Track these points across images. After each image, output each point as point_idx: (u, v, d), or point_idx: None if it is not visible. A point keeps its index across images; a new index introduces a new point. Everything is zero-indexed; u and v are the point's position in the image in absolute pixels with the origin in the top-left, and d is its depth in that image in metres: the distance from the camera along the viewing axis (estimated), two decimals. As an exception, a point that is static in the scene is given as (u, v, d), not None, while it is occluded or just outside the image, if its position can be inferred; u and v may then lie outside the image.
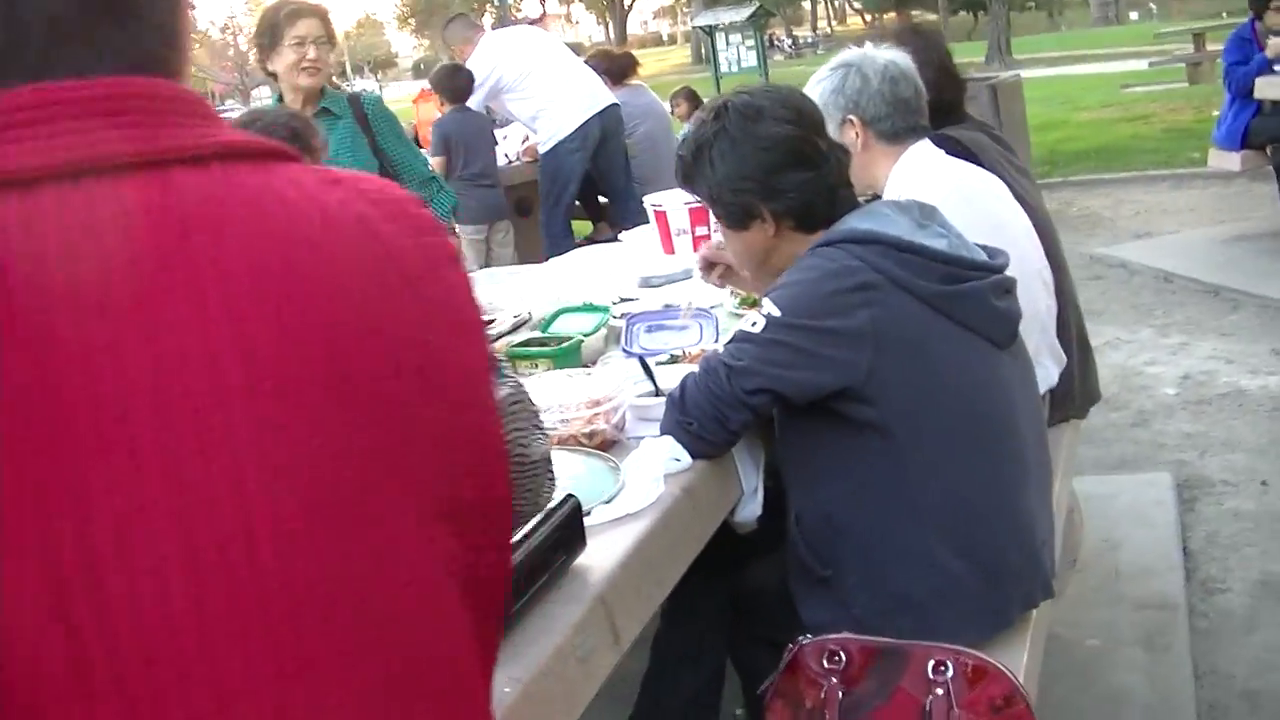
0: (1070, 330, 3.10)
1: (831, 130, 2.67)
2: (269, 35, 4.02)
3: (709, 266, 2.56)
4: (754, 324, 2.06)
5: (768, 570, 2.33)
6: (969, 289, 2.06)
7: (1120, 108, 15.03)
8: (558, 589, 1.68)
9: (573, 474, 2.03)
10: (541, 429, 1.20)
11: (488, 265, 5.66)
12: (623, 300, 3.07)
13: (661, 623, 2.57)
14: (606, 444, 2.14)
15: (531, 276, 3.46)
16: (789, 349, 2.02)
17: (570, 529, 1.73)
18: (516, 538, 1.62)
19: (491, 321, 1.67)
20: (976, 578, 2.07)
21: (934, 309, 2.03)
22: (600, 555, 1.78)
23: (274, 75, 4.12)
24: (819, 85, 2.74)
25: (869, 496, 2.08)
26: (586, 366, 2.63)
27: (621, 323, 2.79)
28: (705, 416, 2.06)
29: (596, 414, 2.15)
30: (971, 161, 2.89)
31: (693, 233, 3.43)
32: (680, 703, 2.47)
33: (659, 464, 2.02)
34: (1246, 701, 2.96)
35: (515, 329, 1.72)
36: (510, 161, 6.98)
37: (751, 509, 2.21)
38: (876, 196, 2.71)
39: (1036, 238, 2.80)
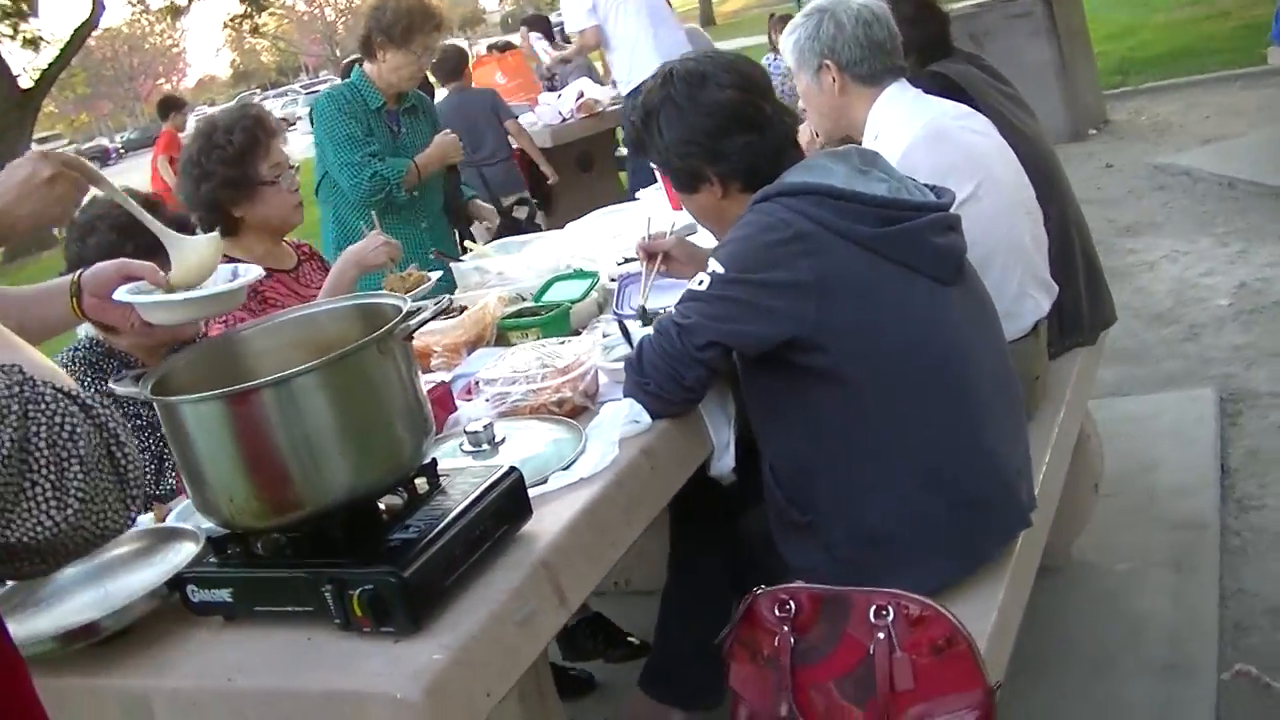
0: (1075, 259, 3.07)
1: (807, 77, 2.70)
2: (399, 32, 3.96)
3: (649, 257, 2.59)
4: (700, 282, 2.11)
5: (757, 519, 2.38)
6: (905, 229, 2.08)
7: (1203, 4, 14.47)
8: (502, 557, 1.75)
9: (539, 443, 2.09)
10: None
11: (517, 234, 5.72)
12: (626, 261, 3.11)
13: (668, 575, 2.64)
14: (576, 410, 2.20)
15: (543, 244, 3.52)
16: (734, 303, 2.06)
17: (512, 500, 1.80)
18: (454, 513, 1.70)
19: (413, 313, 1.73)
20: (943, 508, 2.11)
21: (873, 252, 2.06)
22: (549, 521, 1.86)
23: (372, 58, 4.09)
24: (793, 34, 2.76)
25: (834, 441, 2.12)
26: (578, 332, 2.68)
27: (614, 286, 2.84)
28: (661, 376, 2.11)
29: (564, 382, 2.21)
30: (956, 96, 2.87)
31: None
32: (690, 650, 2.54)
33: (617, 427, 2.08)
34: (1271, 618, 2.93)
35: (435, 316, 1.78)
36: (564, 119, 7.03)
37: (725, 462, 2.26)
38: (849, 140, 2.73)
39: (1021, 170, 2.78)
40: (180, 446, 1.67)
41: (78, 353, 2.59)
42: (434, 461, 1.85)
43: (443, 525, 1.68)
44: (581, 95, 7.02)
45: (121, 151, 54.84)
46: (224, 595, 1.72)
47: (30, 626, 1.79)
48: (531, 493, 1.92)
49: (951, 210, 2.20)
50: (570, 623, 3.14)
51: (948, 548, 2.13)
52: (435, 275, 3.13)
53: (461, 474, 1.83)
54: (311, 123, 4.29)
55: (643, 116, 2.27)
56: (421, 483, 1.82)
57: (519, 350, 2.36)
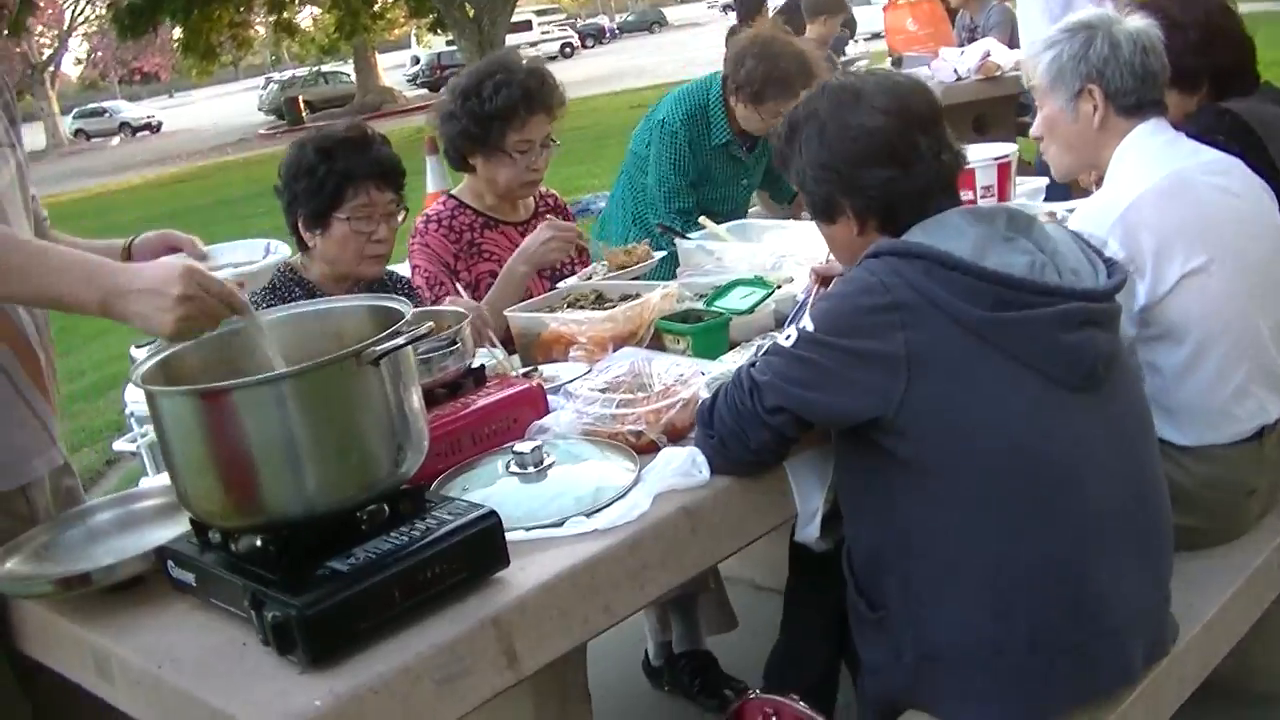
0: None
1: (1059, 102, 2.39)
2: (749, 93, 3.65)
3: (822, 281, 2.36)
4: (787, 336, 1.91)
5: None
6: (1021, 317, 1.79)
7: None
8: (452, 606, 1.69)
9: (588, 477, 2.00)
10: None
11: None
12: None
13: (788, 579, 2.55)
14: (649, 448, 2.08)
15: (787, 234, 3.31)
16: (813, 367, 1.86)
17: (481, 546, 1.73)
18: (404, 549, 1.65)
19: (397, 334, 1.68)
20: (1019, 647, 1.85)
21: (979, 337, 1.79)
22: (532, 572, 1.78)
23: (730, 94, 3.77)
24: (1052, 49, 2.43)
25: (910, 539, 1.90)
26: (737, 345, 2.54)
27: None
28: (727, 431, 1.95)
29: (647, 412, 2.09)
30: (1242, 140, 2.43)
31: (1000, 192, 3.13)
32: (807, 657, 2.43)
33: (666, 477, 1.94)
34: None
35: (411, 343, 1.72)
36: (959, 78, 6.64)
37: (810, 531, 2.08)
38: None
39: None
40: (159, 434, 1.71)
41: (270, 278, 2.73)
42: (421, 487, 1.80)
43: (382, 562, 1.64)
44: (986, 55, 6.57)
45: (616, 33, 57.50)
46: (190, 579, 1.77)
47: (43, 566, 1.92)
48: (540, 535, 1.85)
49: (1142, 296, 1.86)
50: (677, 650, 3.05)
51: (1019, 691, 1.85)
52: (658, 255, 3.05)
53: (445, 506, 1.77)
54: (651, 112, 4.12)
55: (788, 129, 2.07)
56: (407, 505, 1.78)
57: (623, 361, 2.24)
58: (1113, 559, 1.88)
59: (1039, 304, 1.81)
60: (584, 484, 1.97)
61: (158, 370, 1.77)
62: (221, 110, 49.72)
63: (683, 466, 1.96)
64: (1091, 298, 1.85)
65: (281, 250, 2.22)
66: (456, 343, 2.21)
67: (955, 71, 6.61)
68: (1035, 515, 1.83)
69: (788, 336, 1.92)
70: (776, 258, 2.88)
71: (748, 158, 3.99)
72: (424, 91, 36.96)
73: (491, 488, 2.00)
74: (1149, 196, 2.27)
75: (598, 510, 1.89)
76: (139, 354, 1.86)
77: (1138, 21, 2.38)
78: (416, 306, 2.77)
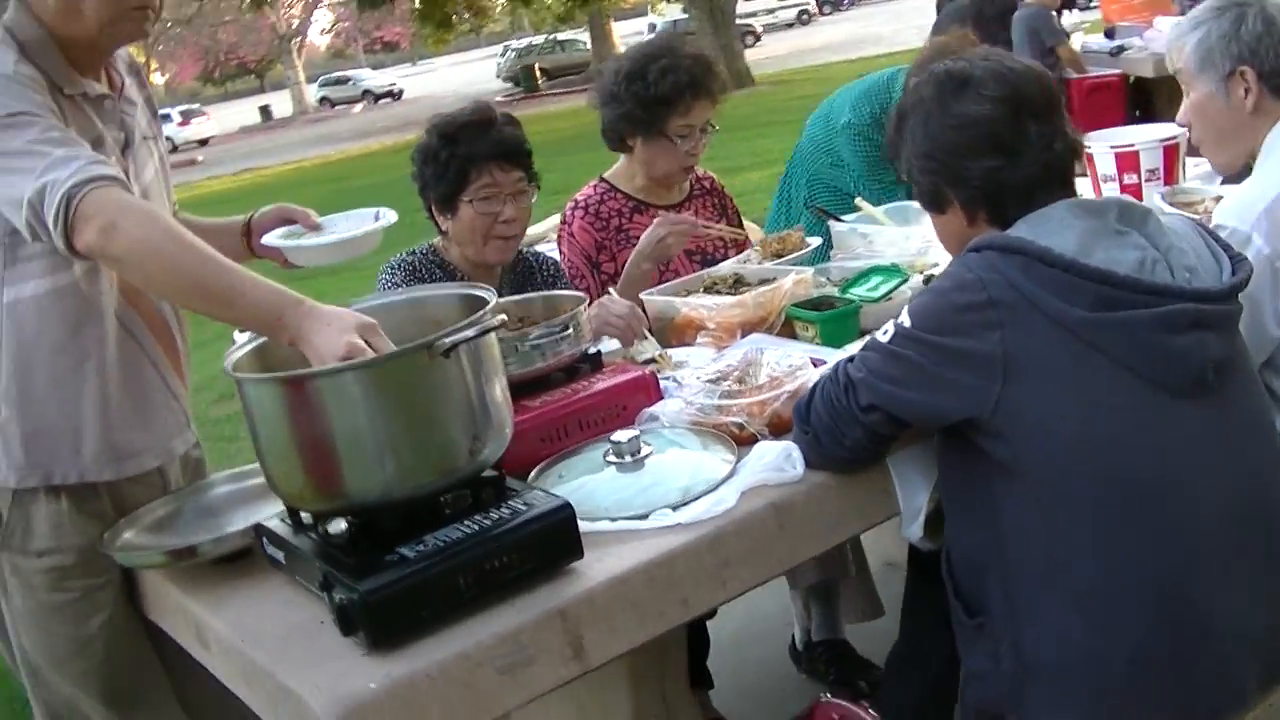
0: None
1: (1209, 85, 2.26)
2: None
3: None
4: (885, 331, 1.87)
5: None
6: (1123, 318, 1.70)
7: None
8: (521, 596, 1.72)
9: (684, 468, 2.00)
10: None
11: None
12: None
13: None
14: (750, 440, 2.06)
15: None
16: (908, 365, 1.81)
17: (554, 537, 1.75)
18: (474, 538, 1.69)
19: (472, 324, 1.71)
20: (1118, 664, 1.77)
21: (1079, 338, 1.71)
22: (609, 564, 1.80)
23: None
24: (1199, 29, 2.28)
25: (1009, 543, 1.84)
26: (867, 334, 2.48)
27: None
28: (822, 427, 1.92)
29: (753, 403, 2.08)
30: None
31: (1120, 180, 2.97)
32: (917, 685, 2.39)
33: (758, 472, 1.93)
34: None
35: (479, 336, 1.74)
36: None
37: (913, 530, 2.03)
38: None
39: None
40: (247, 419, 1.80)
41: (410, 255, 2.83)
42: (501, 475, 1.84)
43: (449, 550, 1.68)
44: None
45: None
46: (280, 556, 1.85)
47: (158, 538, 2.05)
48: (625, 526, 1.86)
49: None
50: (816, 638, 3.01)
51: (1119, 711, 1.77)
52: (814, 243, 3.01)
53: (524, 495, 1.80)
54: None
55: (897, 118, 2.01)
56: (489, 493, 1.82)
57: (740, 350, 2.23)
58: (1222, 574, 1.76)
59: (1144, 304, 1.71)
60: (678, 476, 1.97)
61: (252, 357, 1.86)
62: (462, 77, 51.25)
63: (775, 462, 1.94)
64: (1205, 298, 1.74)
65: (388, 217, 2.29)
66: (569, 329, 2.23)
67: (1170, 41, 6.25)
68: (1137, 526, 1.74)
69: (885, 331, 1.87)
70: (924, 243, 2.80)
71: None
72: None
73: (587, 476, 2.01)
74: None
75: (686, 504, 1.89)
76: (240, 338, 1.95)
77: None
78: (562, 289, 2.83)
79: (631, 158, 3.19)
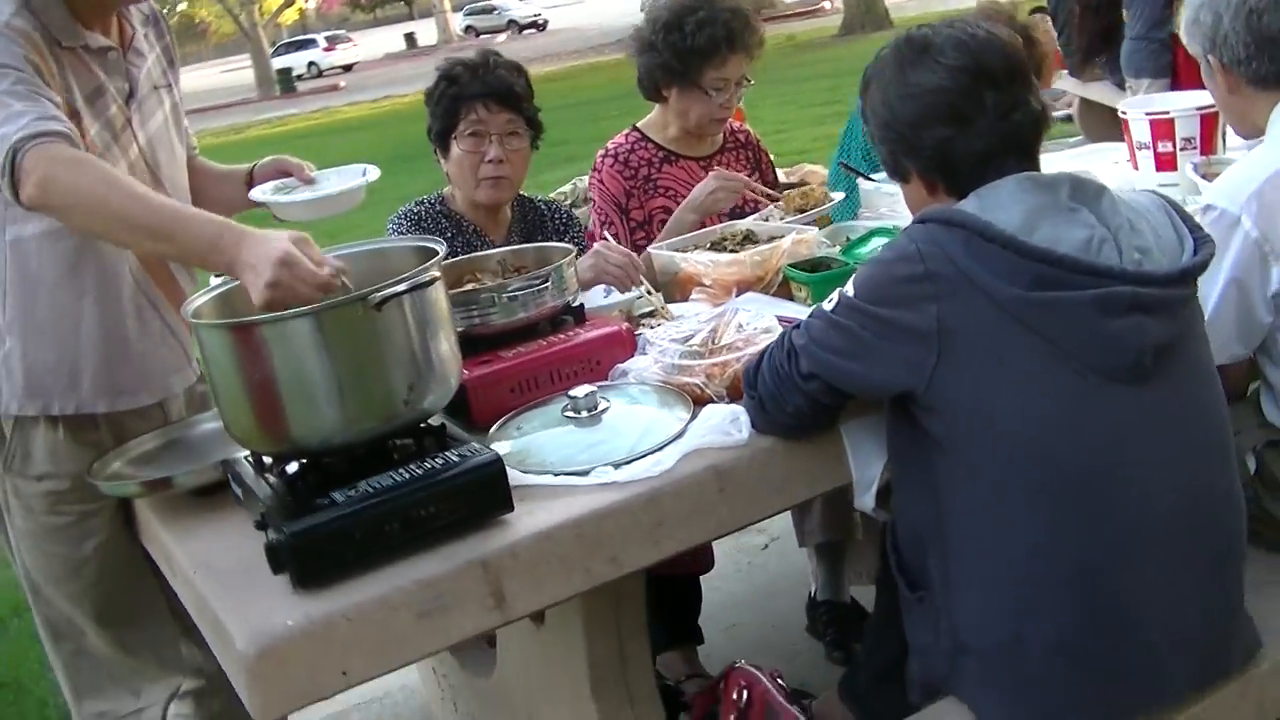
0: None
1: (1203, 66, 2.21)
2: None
3: None
4: (831, 300, 1.88)
5: None
6: (1057, 298, 1.68)
7: None
8: (448, 544, 1.79)
9: (637, 426, 2.04)
10: None
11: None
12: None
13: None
14: (705, 401, 2.10)
15: None
16: (848, 334, 1.82)
17: (483, 489, 1.82)
18: (404, 485, 1.76)
19: (409, 278, 1.77)
20: (1040, 647, 1.78)
21: (1014, 317, 1.70)
22: (539, 518, 1.85)
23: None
24: (1187, 12, 2.24)
25: (946, 521, 1.85)
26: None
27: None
28: (767, 393, 1.95)
29: (712, 365, 2.11)
30: None
31: (1154, 149, 2.89)
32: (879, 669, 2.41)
33: (701, 435, 1.97)
34: None
35: (412, 290, 1.80)
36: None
37: (865, 500, 2.05)
38: None
39: None
40: (203, 363, 1.89)
41: (417, 205, 2.91)
42: (443, 426, 1.91)
43: (376, 496, 1.76)
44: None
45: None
46: (239, 493, 1.95)
47: (142, 469, 2.17)
48: (566, 481, 1.91)
49: (1274, 280, 1.80)
50: (820, 598, 3.03)
51: (1040, 694, 1.79)
52: (837, 197, 3.01)
53: (461, 447, 1.87)
54: None
55: (863, 83, 2.00)
56: (430, 442, 1.89)
57: (718, 310, 2.26)
58: (1154, 565, 1.75)
59: (1082, 285, 1.69)
60: (629, 434, 2.01)
61: (218, 302, 1.96)
62: (610, 10, 51.08)
63: (721, 425, 1.97)
64: (1147, 281, 1.71)
65: (372, 174, 2.38)
66: (548, 281, 2.28)
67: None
68: (1065, 511, 1.73)
69: (831, 300, 1.88)
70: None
71: None
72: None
73: (544, 430, 2.07)
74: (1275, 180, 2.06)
75: (629, 462, 1.93)
76: (215, 282, 2.05)
77: None
78: (576, 236, 2.88)
79: (666, 108, 3.21)
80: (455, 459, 1.83)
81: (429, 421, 1.94)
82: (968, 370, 1.74)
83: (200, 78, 56.98)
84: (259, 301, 1.84)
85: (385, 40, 53.64)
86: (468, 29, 49.86)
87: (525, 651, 2.44)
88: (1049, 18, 7.53)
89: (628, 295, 2.63)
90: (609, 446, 1.98)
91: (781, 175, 5.14)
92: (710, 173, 3.04)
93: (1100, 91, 6.91)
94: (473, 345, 2.28)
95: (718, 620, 3.48)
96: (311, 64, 44.66)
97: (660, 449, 1.95)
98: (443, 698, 3.04)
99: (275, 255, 1.81)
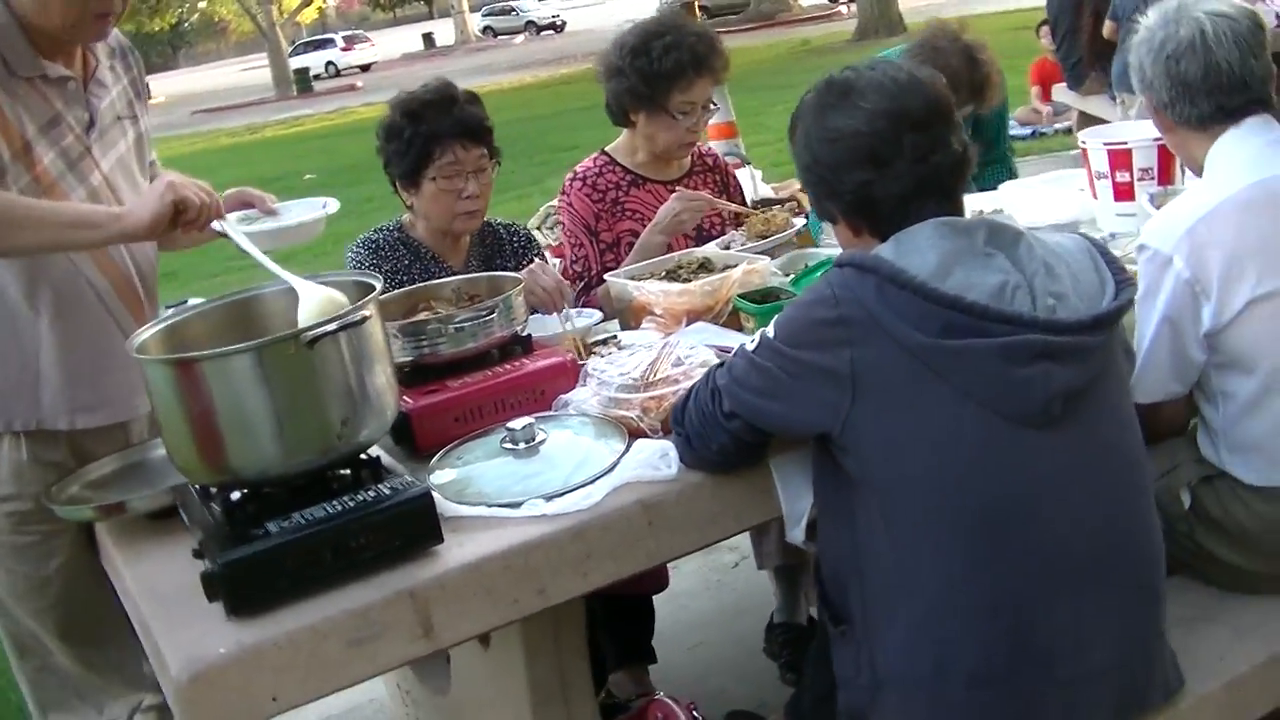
0: None
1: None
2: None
3: None
4: (753, 340, 1.95)
5: None
6: (965, 346, 1.74)
7: None
8: (379, 574, 1.86)
9: (572, 458, 2.11)
10: None
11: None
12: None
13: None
14: (639, 435, 2.16)
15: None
16: (767, 375, 1.88)
17: (413, 520, 1.89)
18: (336, 516, 1.84)
19: (341, 318, 1.85)
20: (957, 683, 1.83)
21: (924, 364, 1.76)
22: (468, 549, 1.93)
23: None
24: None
25: (863, 555, 1.91)
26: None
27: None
28: (693, 430, 2.02)
29: (647, 399, 2.18)
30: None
31: (1113, 178, 2.94)
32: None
33: (631, 469, 2.04)
34: None
35: (341, 330, 1.87)
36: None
37: (795, 534, 2.11)
38: None
39: None
40: (150, 397, 1.97)
41: (376, 233, 2.99)
42: (377, 458, 1.98)
43: (309, 527, 1.83)
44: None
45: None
46: (186, 519, 2.03)
47: (98, 493, 2.25)
48: (498, 514, 1.98)
49: (1207, 320, 1.90)
50: (777, 620, 3.09)
51: None
52: (799, 223, 3.08)
53: (394, 479, 1.94)
54: None
55: (790, 125, 2.06)
56: (366, 474, 1.97)
57: (662, 341, 2.32)
58: (1070, 600, 1.81)
59: (989, 333, 1.74)
60: (563, 467, 2.08)
61: (165, 335, 2.03)
62: (628, 11, 51.11)
63: (650, 460, 2.04)
64: (1058, 329, 1.76)
65: (331, 206, 2.47)
66: (494, 312, 2.35)
67: (1275, 14, 5.99)
68: (979, 547, 1.79)
69: (753, 339, 1.94)
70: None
71: None
72: (823, 1, 36.57)
73: (483, 461, 2.15)
74: (1225, 209, 2.11)
75: (561, 495, 2.00)
76: (167, 312, 2.13)
77: (1209, 4, 2.19)
78: (535, 258, 2.95)
79: (634, 132, 3.28)
80: (387, 491, 1.90)
81: (367, 453, 2.01)
82: (881, 414, 1.79)
83: (219, 76, 57.27)
84: (146, 219, 2.10)
85: (403, 40, 53.85)
86: (486, 29, 50.00)
87: (474, 671, 2.51)
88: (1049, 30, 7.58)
89: (581, 323, 2.70)
90: (544, 479, 2.05)
91: (770, 191, 5.20)
92: (673, 194, 3.10)
93: (1098, 105, 6.96)
94: (423, 374, 2.36)
95: (682, 639, 3.55)
96: (329, 64, 44.86)
97: (591, 482, 2.02)
98: (406, 713, 3.11)
99: (161, 180, 2.10)
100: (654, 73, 3.12)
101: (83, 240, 2.14)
